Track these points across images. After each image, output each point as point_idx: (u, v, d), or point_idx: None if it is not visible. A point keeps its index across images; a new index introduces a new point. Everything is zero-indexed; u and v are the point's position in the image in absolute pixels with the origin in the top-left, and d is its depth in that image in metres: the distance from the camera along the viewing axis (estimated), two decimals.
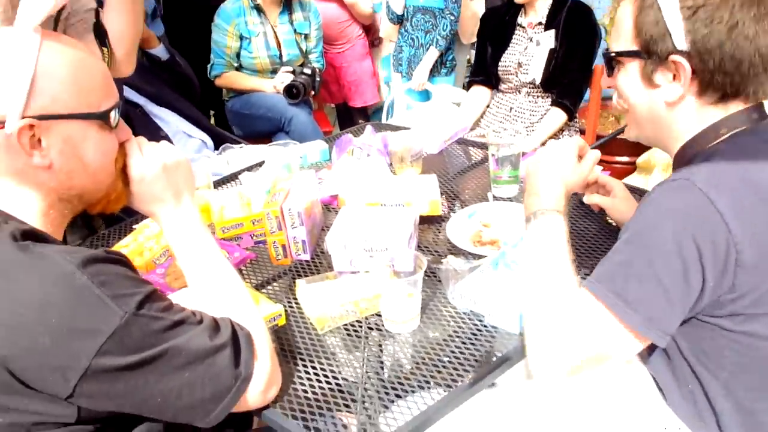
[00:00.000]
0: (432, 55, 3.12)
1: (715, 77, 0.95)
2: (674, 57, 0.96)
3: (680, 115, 1.02)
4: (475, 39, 3.26)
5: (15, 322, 0.78)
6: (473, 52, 3.33)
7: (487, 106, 2.64)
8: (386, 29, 3.34)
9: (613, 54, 1.05)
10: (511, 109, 2.55)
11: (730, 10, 0.91)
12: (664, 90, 1.00)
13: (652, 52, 0.98)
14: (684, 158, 1.04)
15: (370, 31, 3.54)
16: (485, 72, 2.60)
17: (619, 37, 1.04)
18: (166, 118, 2.53)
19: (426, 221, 1.55)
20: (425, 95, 3.19)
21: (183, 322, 0.87)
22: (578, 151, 1.22)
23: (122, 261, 0.89)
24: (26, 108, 0.85)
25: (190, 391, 0.86)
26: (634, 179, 2.00)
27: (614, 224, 1.47)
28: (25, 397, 0.80)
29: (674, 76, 0.98)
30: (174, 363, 0.84)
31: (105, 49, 1.41)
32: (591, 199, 1.44)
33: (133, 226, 1.66)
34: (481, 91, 2.63)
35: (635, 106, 1.07)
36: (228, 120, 3.26)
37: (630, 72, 1.04)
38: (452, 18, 3.06)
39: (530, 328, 1.02)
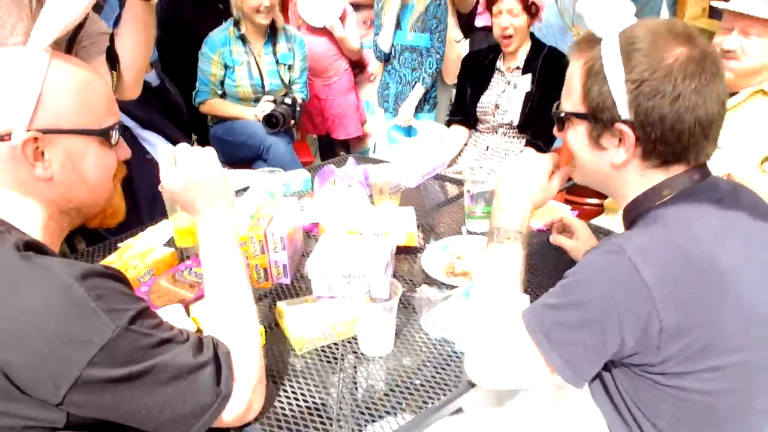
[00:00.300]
0: (418, 91, 3.23)
1: (657, 146, 1.00)
2: (619, 125, 1.00)
3: (625, 176, 1.06)
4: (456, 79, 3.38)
5: (15, 328, 0.82)
6: (454, 91, 3.45)
7: (465, 144, 2.74)
8: (374, 66, 3.45)
9: (564, 114, 1.10)
10: (487, 147, 2.66)
11: (672, 84, 0.95)
12: (609, 153, 1.04)
13: (598, 118, 1.02)
14: (630, 216, 1.09)
15: (357, 65, 3.64)
16: (464, 112, 2.71)
17: (569, 96, 1.08)
18: (153, 141, 2.59)
19: (402, 251, 1.62)
20: (409, 130, 3.29)
21: (170, 340, 0.91)
22: (551, 168, 1.25)
23: (119, 277, 0.93)
24: (32, 122, 0.90)
25: (172, 406, 0.89)
26: (601, 219, 2.09)
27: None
28: (19, 402, 0.83)
29: (620, 140, 1.02)
30: (159, 378, 0.88)
31: (114, 73, 1.48)
32: (556, 239, 1.52)
33: (118, 245, 1.70)
34: (459, 131, 2.73)
35: (582, 161, 1.11)
36: (211, 145, 3.31)
37: (578, 132, 1.08)
38: (437, 56, 3.18)
39: (469, 341, 1.09)
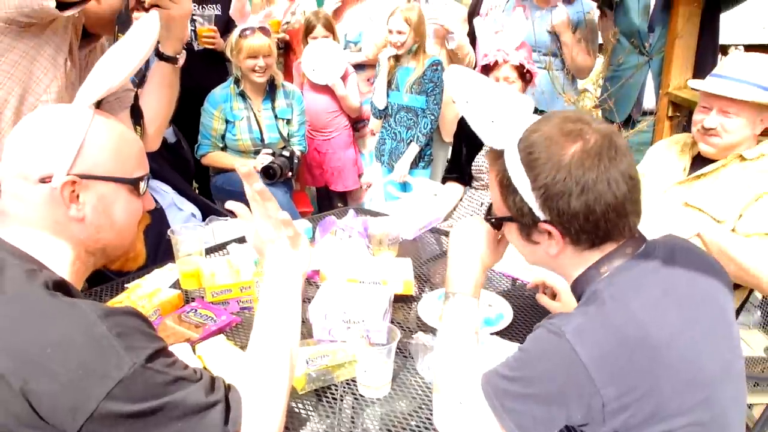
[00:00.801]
0: (413, 150, 3.36)
1: (581, 235, 1.07)
2: (542, 225, 1.08)
3: (563, 261, 1.13)
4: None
5: (41, 359, 0.87)
6: (451, 148, 3.58)
7: (460, 200, 2.84)
8: (375, 122, 3.60)
9: (493, 219, 1.20)
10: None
11: (575, 181, 1.02)
12: (543, 246, 1.12)
13: (522, 221, 1.11)
14: (575, 293, 1.16)
15: (360, 119, 3.78)
16: (460, 170, 2.83)
17: (495, 203, 1.18)
18: (161, 190, 2.68)
19: (399, 300, 1.69)
20: (405, 186, 3.40)
21: (184, 379, 0.95)
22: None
23: (140, 316, 0.99)
24: (72, 167, 1.01)
25: None
26: None
27: None
28: (39, 430, 0.86)
29: (548, 234, 1.09)
30: (171, 415, 0.91)
31: (138, 128, 1.58)
32: (540, 299, 1.60)
33: (125, 285, 1.77)
34: (455, 187, 2.85)
35: (524, 253, 1.20)
36: (212, 195, 3.41)
37: (511, 231, 1.18)
38: (432, 118, 3.32)
39: (436, 398, 1.14)
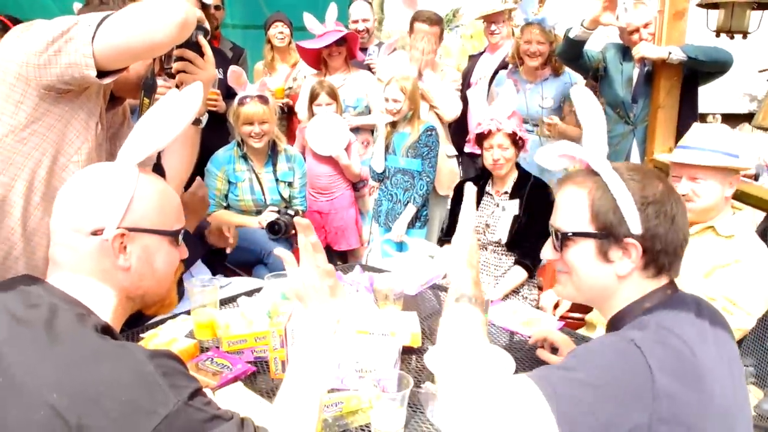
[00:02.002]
0: (410, 211, 3.49)
1: (660, 257, 1.16)
2: (628, 240, 1.15)
3: (625, 285, 1.19)
4: (449, 191, 3.66)
5: (96, 396, 0.93)
6: (447, 209, 3.72)
7: None
8: (371, 184, 3.74)
9: (570, 234, 1.21)
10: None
11: (670, 206, 1.16)
12: (616, 265, 1.18)
13: (608, 234, 1.17)
14: (617, 324, 1.20)
15: (360, 180, 3.91)
16: None
17: (572, 218, 1.21)
18: None
19: (406, 351, 1.77)
20: (401, 246, 3.50)
21: (220, 417, 1.01)
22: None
23: (178, 358, 1.06)
24: (122, 221, 1.11)
25: None
26: (582, 332, 2.28)
27: None
28: None
29: (623, 254, 1.17)
30: None
31: None
32: (541, 354, 1.69)
33: (140, 336, 1.83)
34: None
35: (585, 277, 1.22)
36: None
37: (584, 248, 1.20)
38: (428, 180, 3.46)
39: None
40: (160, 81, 1.83)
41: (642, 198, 1.16)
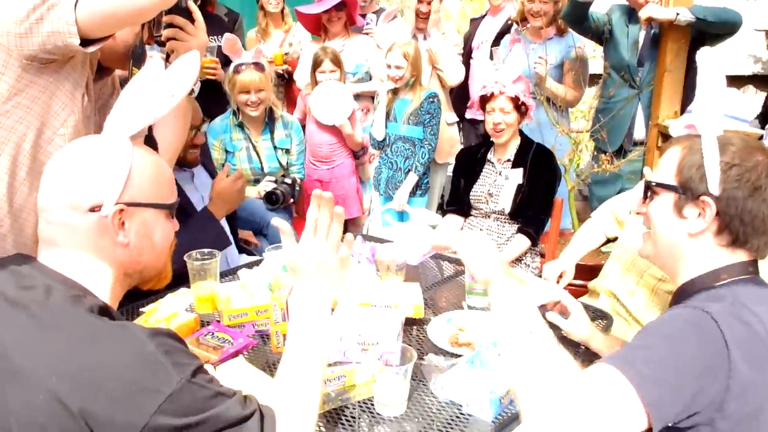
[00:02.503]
0: (411, 179, 3.45)
1: (733, 222, 1.16)
2: (705, 197, 1.17)
3: (696, 248, 1.21)
4: (450, 159, 3.62)
5: (96, 378, 0.92)
6: (447, 176, 3.68)
7: (461, 229, 2.93)
8: (371, 152, 3.70)
9: (654, 183, 1.26)
10: (480, 230, 2.85)
11: (757, 175, 1.15)
12: (689, 222, 1.20)
13: (687, 189, 1.20)
14: (687, 293, 1.21)
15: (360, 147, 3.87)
16: (459, 202, 2.92)
17: (661, 171, 1.26)
18: None
19: (409, 323, 1.75)
20: (402, 215, 3.48)
21: (223, 394, 1.01)
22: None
23: (178, 336, 1.05)
24: (120, 196, 1.08)
25: None
26: (584, 299, 2.26)
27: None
28: None
29: (699, 213, 1.18)
30: (214, 428, 0.96)
31: None
32: (551, 318, 1.67)
33: (141, 310, 1.82)
34: (454, 219, 2.94)
35: (660, 231, 1.26)
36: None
37: (664, 201, 1.25)
38: (429, 148, 3.42)
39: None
40: (155, 50, 1.78)
41: (729, 161, 1.16)
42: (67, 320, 0.97)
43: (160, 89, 1.15)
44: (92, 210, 1.06)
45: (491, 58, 3.81)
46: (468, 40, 4.19)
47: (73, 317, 0.98)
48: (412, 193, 3.50)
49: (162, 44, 1.66)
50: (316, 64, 3.61)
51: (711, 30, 3.11)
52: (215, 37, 3.67)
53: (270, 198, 3.20)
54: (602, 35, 3.43)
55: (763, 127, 3.16)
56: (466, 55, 4.10)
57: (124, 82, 1.78)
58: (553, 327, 1.68)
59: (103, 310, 1.02)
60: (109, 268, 1.11)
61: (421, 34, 3.79)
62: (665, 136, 3.25)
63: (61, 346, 0.94)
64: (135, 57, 1.68)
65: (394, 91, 3.46)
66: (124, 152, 1.10)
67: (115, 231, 1.08)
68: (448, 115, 3.86)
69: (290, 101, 4.12)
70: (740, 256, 1.19)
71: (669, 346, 1.03)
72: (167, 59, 1.62)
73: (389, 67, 3.37)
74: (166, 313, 1.74)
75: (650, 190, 1.28)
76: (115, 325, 0.99)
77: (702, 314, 1.06)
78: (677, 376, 1.01)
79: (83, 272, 1.08)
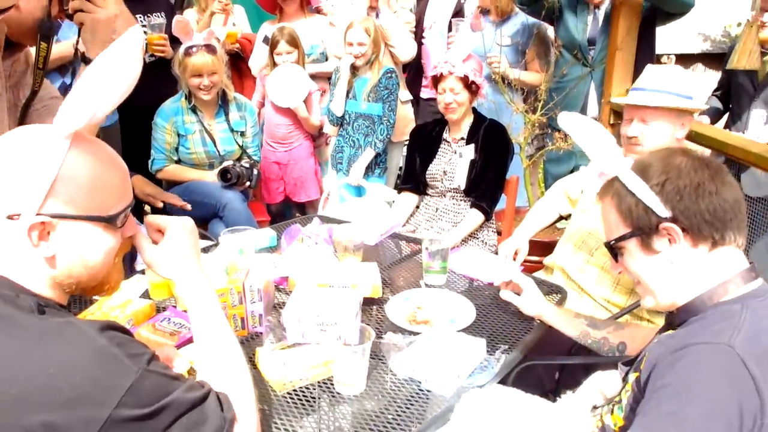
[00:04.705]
0: (368, 154, 3.44)
1: (701, 228, 1.13)
2: (663, 225, 1.15)
3: (685, 268, 1.17)
4: (405, 137, 3.61)
5: (48, 382, 0.88)
6: (403, 155, 3.69)
7: (417, 208, 2.94)
8: (329, 129, 3.66)
9: (614, 242, 1.24)
10: (437, 209, 2.87)
11: (689, 176, 1.14)
12: (665, 253, 1.17)
13: (643, 227, 1.17)
14: (694, 309, 1.16)
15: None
16: (414, 180, 2.93)
17: (612, 229, 1.24)
18: None
19: (368, 302, 1.76)
20: (359, 190, 3.47)
21: (178, 378, 1.00)
22: None
23: (126, 330, 1.03)
24: (42, 206, 0.95)
25: None
26: (539, 275, 2.31)
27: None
28: None
29: (669, 240, 1.16)
30: (176, 413, 0.96)
31: None
32: (504, 296, 1.71)
33: (94, 297, 1.78)
34: (410, 197, 2.95)
35: (647, 276, 1.22)
36: (165, 207, 3.38)
37: (632, 251, 1.22)
38: (389, 124, 3.41)
39: None
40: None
41: (658, 180, 1.15)
42: (7, 324, 0.91)
43: (105, 76, 0.99)
44: (10, 218, 0.95)
45: (450, 29, 3.80)
46: (420, 19, 4.17)
47: (14, 320, 0.92)
48: (371, 172, 3.49)
49: (71, 17, 1.60)
50: (273, 45, 3.55)
51: (664, 7, 3.16)
52: (158, 14, 3.56)
53: (224, 175, 3.15)
54: (553, 15, 3.46)
55: (726, 105, 3.27)
56: (419, 35, 4.09)
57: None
58: (507, 303, 1.73)
59: (43, 308, 0.96)
60: (39, 277, 1.00)
61: (373, 12, 3.75)
62: (617, 114, 3.31)
63: (5, 354, 0.89)
64: (43, 31, 1.55)
65: (354, 69, 3.43)
66: (54, 154, 0.96)
67: (33, 244, 0.96)
68: (402, 93, 3.85)
69: (237, 83, 4.04)
70: (730, 255, 1.16)
71: (699, 406, 0.98)
72: (79, 33, 1.56)
73: (350, 44, 3.33)
74: (120, 300, 1.70)
75: (613, 250, 1.26)
76: (60, 323, 0.94)
77: (727, 353, 1.01)
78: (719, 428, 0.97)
79: (15, 271, 0.98)
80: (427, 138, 2.94)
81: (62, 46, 2.76)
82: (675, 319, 1.22)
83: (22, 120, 1.68)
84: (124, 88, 1.02)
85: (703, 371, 1.02)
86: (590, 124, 1.30)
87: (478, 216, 2.74)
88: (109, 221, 1.03)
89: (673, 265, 1.17)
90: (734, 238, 1.15)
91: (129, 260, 2.06)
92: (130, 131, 3.40)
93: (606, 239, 1.27)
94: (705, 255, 1.16)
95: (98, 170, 1.01)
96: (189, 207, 3.03)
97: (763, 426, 0.98)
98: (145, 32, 3.50)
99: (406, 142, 3.42)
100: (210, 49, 3.09)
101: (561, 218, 2.45)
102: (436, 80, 2.79)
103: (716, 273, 1.16)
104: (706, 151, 2.09)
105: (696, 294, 1.17)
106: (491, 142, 2.77)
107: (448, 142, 2.87)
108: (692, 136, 2.47)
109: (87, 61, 1.61)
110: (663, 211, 1.15)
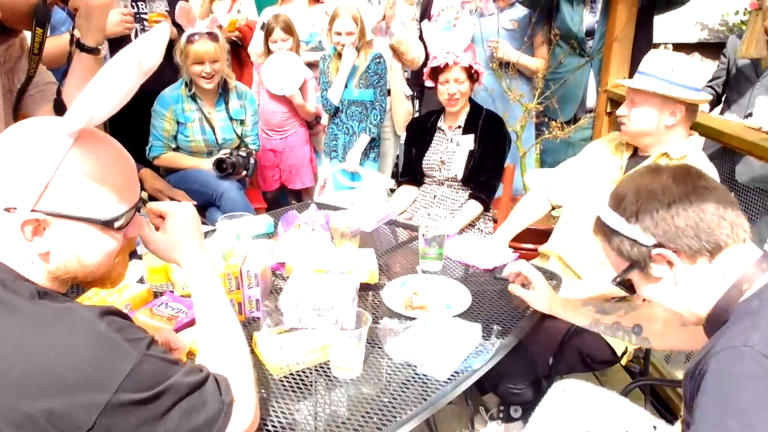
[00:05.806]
0: (364, 140, 3.43)
1: (690, 243, 1.10)
2: (654, 252, 1.13)
3: (693, 285, 1.15)
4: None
5: (48, 366, 0.88)
6: (400, 146, 3.69)
7: (414, 200, 2.96)
8: (325, 118, 3.65)
9: (619, 281, 1.24)
10: (434, 197, 2.88)
11: (658, 199, 1.12)
12: (668, 277, 1.15)
13: (638, 261, 1.16)
14: (719, 318, 1.13)
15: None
16: (412, 172, 2.94)
17: (615, 266, 1.24)
18: None
19: (364, 288, 1.77)
20: (354, 176, 3.47)
21: (177, 363, 1.01)
22: None
23: (125, 314, 1.03)
24: (37, 202, 0.94)
25: (187, 420, 0.97)
26: (535, 262, 2.32)
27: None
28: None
29: (666, 264, 1.14)
30: (175, 397, 0.97)
31: None
32: (513, 290, 1.71)
33: None
34: (409, 189, 2.96)
35: (663, 301, 1.21)
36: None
37: (638, 282, 1.22)
38: (381, 108, 3.41)
39: None
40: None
41: (633, 210, 1.15)
42: (7, 310, 0.92)
43: (120, 74, 0.97)
44: (7, 210, 0.95)
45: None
46: (426, 8, 4.12)
47: (14, 306, 0.93)
48: (366, 157, 3.49)
49: (65, 1, 1.60)
50: (268, 33, 3.54)
51: None
52: (162, 1, 3.54)
53: (220, 165, 3.14)
54: (551, 2, 3.45)
55: (722, 93, 3.28)
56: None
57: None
58: (502, 289, 1.74)
59: (42, 294, 0.96)
60: (37, 268, 1.00)
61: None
62: (614, 102, 3.31)
63: (5, 339, 0.90)
64: (38, 17, 1.55)
65: (339, 56, 3.39)
66: (54, 152, 0.95)
67: (27, 239, 0.96)
68: (406, 88, 3.83)
69: (236, 70, 4.02)
70: (734, 255, 1.13)
71: (739, 417, 0.95)
72: (73, 18, 1.55)
73: (339, 34, 3.29)
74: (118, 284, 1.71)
75: (624, 286, 1.26)
76: (60, 308, 0.94)
77: (751, 355, 0.98)
78: None
79: (14, 260, 0.98)
80: (421, 129, 2.95)
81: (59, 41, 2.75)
82: (708, 331, 1.20)
83: (17, 105, 1.68)
84: (136, 89, 1.00)
85: (733, 381, 0.98)
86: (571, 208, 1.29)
87: (476, 207, 2.76)
88: (105, 224, 1.01)
89: (679, 286, 1.16)
90: (733, 238, 1.12)
91: None
92: (128, 117, 3.38)
93: (615, 279, 1.27)
94: (707, 267, 1.13)
95: (99, 172, 0.99)
96: (195, 203, 3.03)
97: None
98: (144, 21, 3.48)
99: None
100: (212, 36, 3.07)
101: (554, 208, 2.46)
102: (437, 72, 2.78)
103: (725, 278, 1.13)
104: (695, 153, 2.07)
105: (713, 303, 1.15)
106: (490, 134, 2.78)
107: (443, 130, 2.87)
108: (694, 126, 2.47)
109: (82, 47, 1.60)
110: (647, 240, 1.14)
